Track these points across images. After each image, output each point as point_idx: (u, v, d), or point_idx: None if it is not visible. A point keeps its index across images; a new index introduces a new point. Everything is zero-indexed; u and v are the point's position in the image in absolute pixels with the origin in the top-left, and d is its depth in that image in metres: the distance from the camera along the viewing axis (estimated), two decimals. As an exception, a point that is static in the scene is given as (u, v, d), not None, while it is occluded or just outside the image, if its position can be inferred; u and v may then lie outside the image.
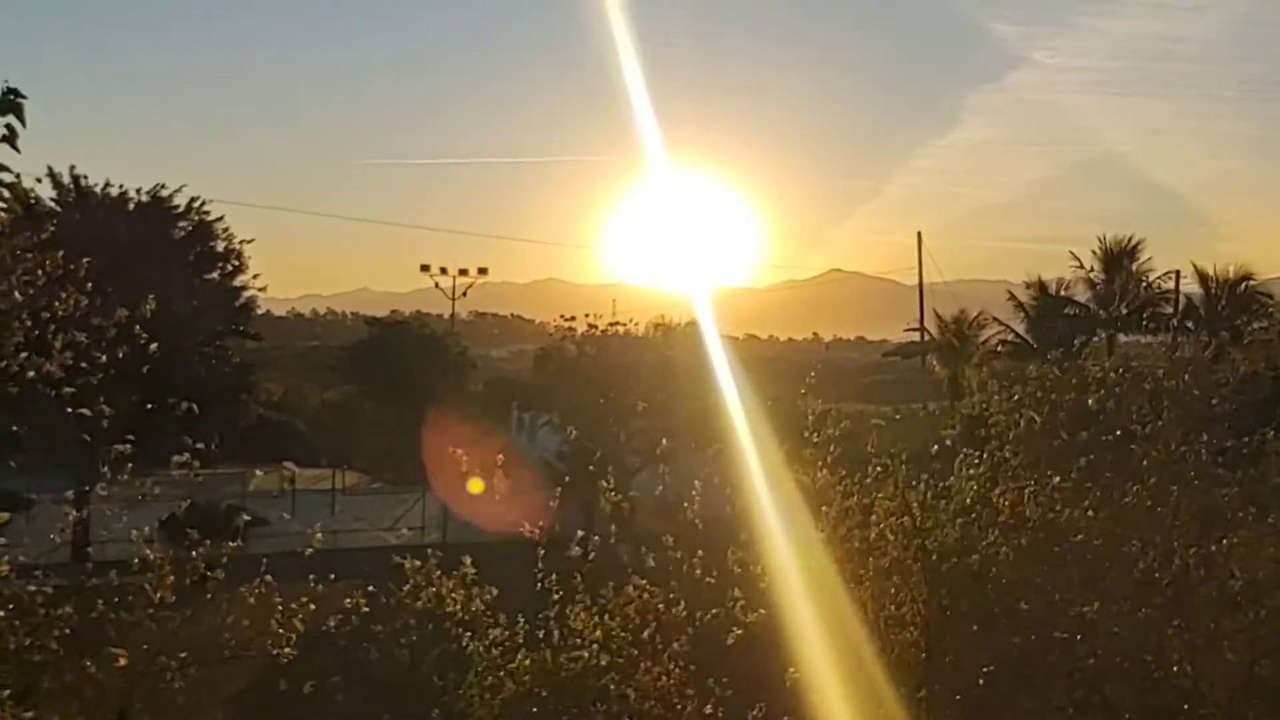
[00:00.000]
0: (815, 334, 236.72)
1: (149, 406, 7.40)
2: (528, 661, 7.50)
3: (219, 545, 6.82)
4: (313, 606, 6.86)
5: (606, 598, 7.66)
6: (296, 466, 36.18)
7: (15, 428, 7.07)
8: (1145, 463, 8.91)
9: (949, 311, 45.01)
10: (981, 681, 8.50)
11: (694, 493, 8.32)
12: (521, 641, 7.60)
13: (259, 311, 39.86)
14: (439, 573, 7.61)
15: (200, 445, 6.96)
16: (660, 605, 7.62)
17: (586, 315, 33.25)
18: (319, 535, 7.12)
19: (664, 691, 7.58)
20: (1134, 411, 9.14)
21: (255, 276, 34.63)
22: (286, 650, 6.77)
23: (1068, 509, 8.83)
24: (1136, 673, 8.96)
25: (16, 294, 5.82)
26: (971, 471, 8.79)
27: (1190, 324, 38.42)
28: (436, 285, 49.54)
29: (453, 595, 7.51)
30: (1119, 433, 9.14)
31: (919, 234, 42.61)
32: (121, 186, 31.74)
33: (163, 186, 32.50)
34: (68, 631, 6.24)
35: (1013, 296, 42.16)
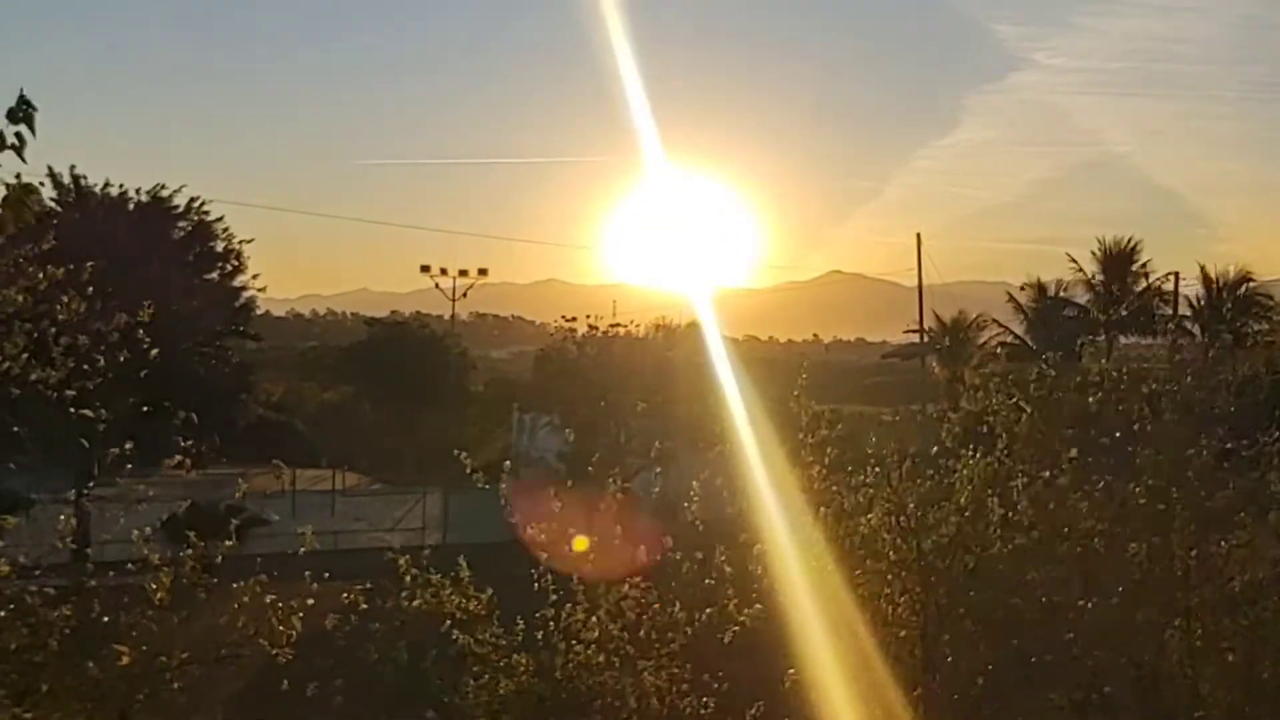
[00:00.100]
0: (815, 335, 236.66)
1: (146, 410, 7.42)
2: (525, 660, 7.51)
3: (217, 545, 6.81)
4: (310, 602, 6.85)
5: (605, 597, 7.67)
6: (295, 467, 36.09)
7: (16, 429, 7.07)
8: (1139, 462, 8.92)
9: (949, 313, 45.07)
10: (980, 680, 8.50)
11: (693, 493, 8.32)
12: (520, 641, 7.61)
13: (258, 312, 39.96)
14: (437, 575, 7.61)
15: (197, 446, 6.96)
16: (657, 604, 7.63)
17: (587, 316, 33.26)
18: (310, 536, 7.12)
19: (662, 691, 7.58)
20: (1134, 412, 9.14)
21: (255, 276, 34.74)
22: (286, 650, 6.77)
23: (1063, 508, 8.84)
24: (1136, 673, 8.97)
25: (20, 299, 5.83)
26: (966, 472, 8.80)
27: (1190, 325, 38.47)
28: (436, 286, 49.48)
29: (450, 596, 7.52)
30: (1118, 434, 9.15)
31: (918, 235, 42.59)
32: (121, 187, 31.81)
33: (162, 187, 32.58)
34: (67, 632, 6.25)
35: (1012, 298, 42.22)
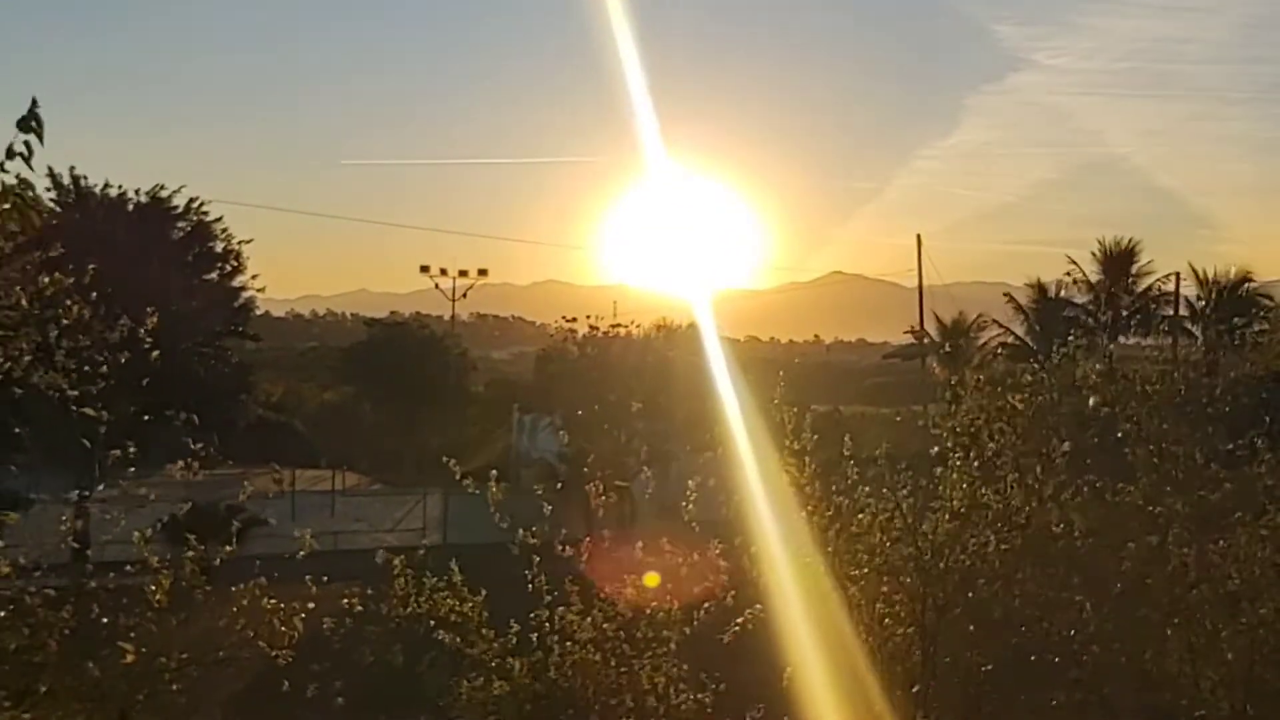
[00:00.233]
0: (817, 336, 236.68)
1: (146, 417, 7.43)
2: (520, 662, 7.51)
3: (217, 547, 6.82)
4: (311, 605, 6.86)
5: (602, 598, 7.67)
6: (295, 468, 36.10)
7: (18, 430, 7.10)
8: (1132, 462, 8.94)
9: (949, 314, 45.07)
10: (979, 680, 8.52)
11: (690, 494, 8.33)
12: (515, 643, 7.62)
13: (258, 312, 39.91)
14: (433, 577, 7.62)
15: (198, 447, 6.97)
16: (654, 604, 7.64)
17: (588, 317, 33.25)
18: (309, 538, 7.13)
19: (660, 690, 7.58)
20: (1128, 411, 9.15)
21: (254, 277, 34.69)
22: (285, 651, 6.78)
23: (1058, 508, 8.85)
24: (1135, 673, 8.98)
25: (24, 303, 5.85)
26: (957, 475, 8.82)
27: (1190, 326, 38.47)
28: (436, 286, 49.53)
29: (445, 599, 7.52)
30: (1119, 435, 9.16)
31: (918, 236, 42.58)
32: (121, 187, 31.79)
33: (162, 187, 32.56)
34: (67, 633, 6.26)
35: (1012, 299, 42.20)
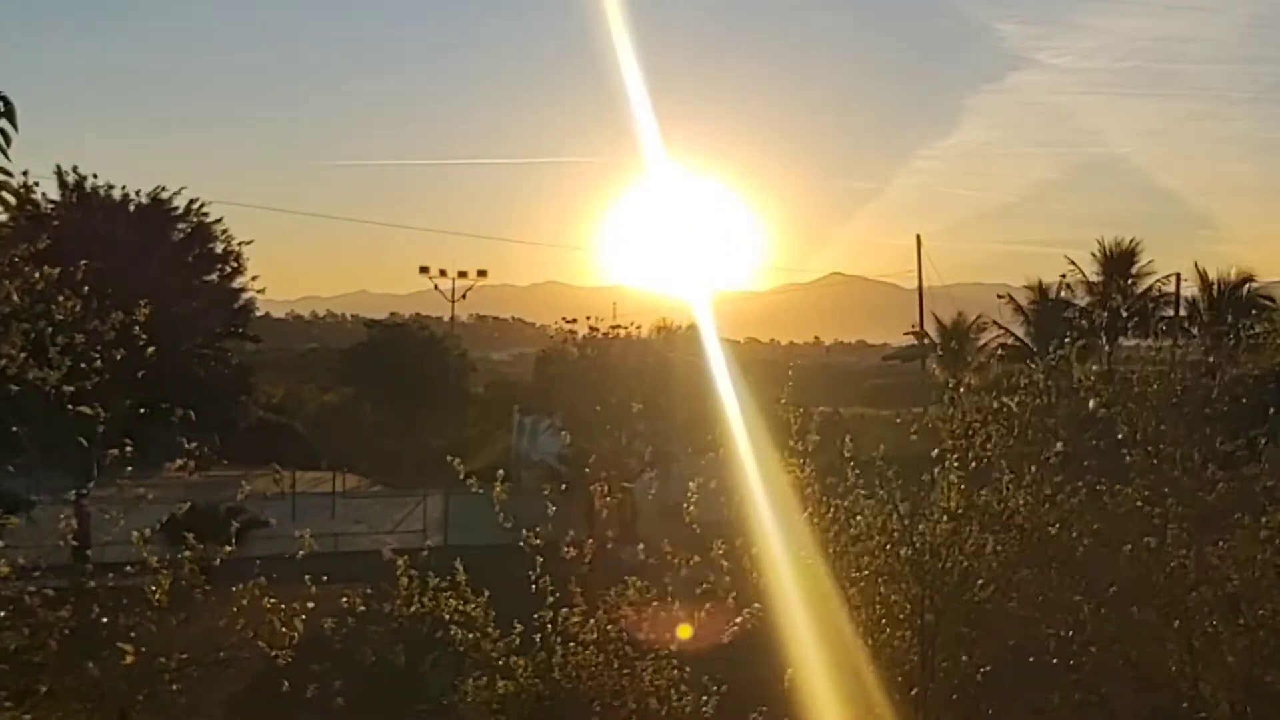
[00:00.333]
0: (816, 337, 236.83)
1: (143, 411, 7.43)
2: (523, 662, 7.53)
3: (217, 548, 6.83)
4: (311, 605, 6.86)
5: (605, 599, 7.68)
6: (295, 469, 36.12)
7: (15, 429, 7.09)
8: (1130, 462, 8.94)
9: (949, 315, 45.06)
10: (978, 681, 8.52)
11: (691, 495, 8.34)
12: (518, 644, 7.63)
13: (258, 313, 39.99)
14: (435, 578, 7.63)
15: (197, 448, 6.97)
16: (655, 604, 7.64)
17: (587, 318, 33.25)
18: (309, 539, 7.13)
19: (661, 691, 7.59)
20: (1126, 412, 9.15)
21: (254, 278, 34.73)
22: (286, 651, 6.78)
23: (1054, 509, 8.85)
24: (1134, 674, 8.98)
25: (15, 298, 5.84)
26: (954, 476, 8.82)
27: (1190, 327, 38.44)
28: (436, 287, 49.49)
29: (447, 599, 7.53)
30: (1119, 436, 9.16)
31: (918, 237, 42.66)
32: (123, 188, 31.84)
33: (163, 189, 32.62)
34: (67, 633, 6.26)
35: (1012, 300, 42.17)
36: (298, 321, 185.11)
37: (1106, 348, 32.87)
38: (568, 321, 33.57)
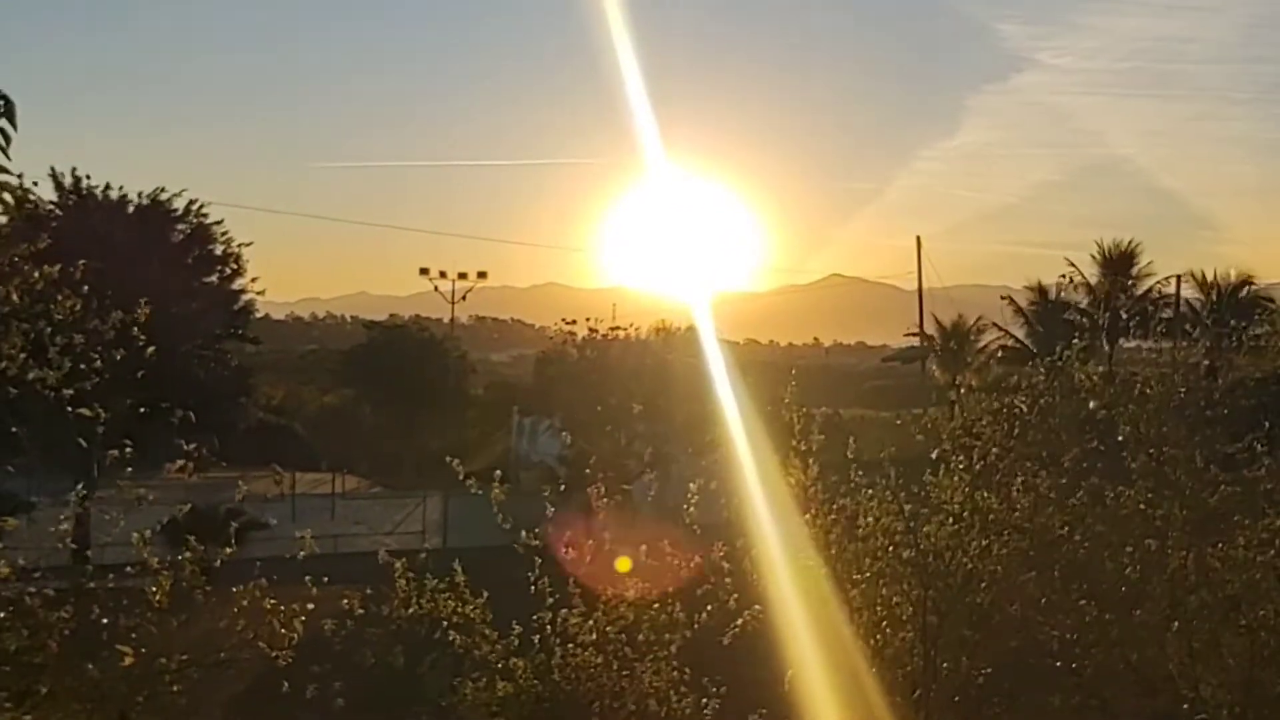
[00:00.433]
0: (816, 339, 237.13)
1: (143, 412, 7.42)
2: (523, 663, 7.52)
3: (217, 549, 6.82)
4: (311, 606, 6.86)
5: (603, 600, 7.68)
6: (295, 470, 36.12)
7: (14, 430, 7.08)
8: (1132, 465, 8.93)
9: (949, 316, 45.06)
10: (980, 682, 8.52)
11: (690, 496, 8.33)
12: (517, 644, 7.63)
13: (258, 315, 39.91)
14: (434, 579, 7.62)
15: (197, 449, 6.96)
16: (655, 605, 7.64)
17: (587, 319, 33.29)
18: (309, 540, 7.13)
19: (660, 692, 7.59)
20: (1127, 414, 9.15)
21: (254, 280, 34.67)
22: (286, 653, 6.78)
23: (1056, 512, 8.85)
24: (1135, 677, 8.97)
25: (15, 298, 5.83)
26: (956, 478, 8.81)
27: (1191, 329, 38.42)
28: (435, 289, 49.46)
29: (446, 601, 7.53)
30: (1119, 439, 9.15)
31: (918, 239, 42.66)
32: (122, 189, 31.81)
33: (162, 190, 32.56)
34: (67, 634, 6.25)
35: (1012, 301, 42.15)
36: (298, 323, 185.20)
37: (1107, 349, 32.88)
38: (567, 323, 33.61)
